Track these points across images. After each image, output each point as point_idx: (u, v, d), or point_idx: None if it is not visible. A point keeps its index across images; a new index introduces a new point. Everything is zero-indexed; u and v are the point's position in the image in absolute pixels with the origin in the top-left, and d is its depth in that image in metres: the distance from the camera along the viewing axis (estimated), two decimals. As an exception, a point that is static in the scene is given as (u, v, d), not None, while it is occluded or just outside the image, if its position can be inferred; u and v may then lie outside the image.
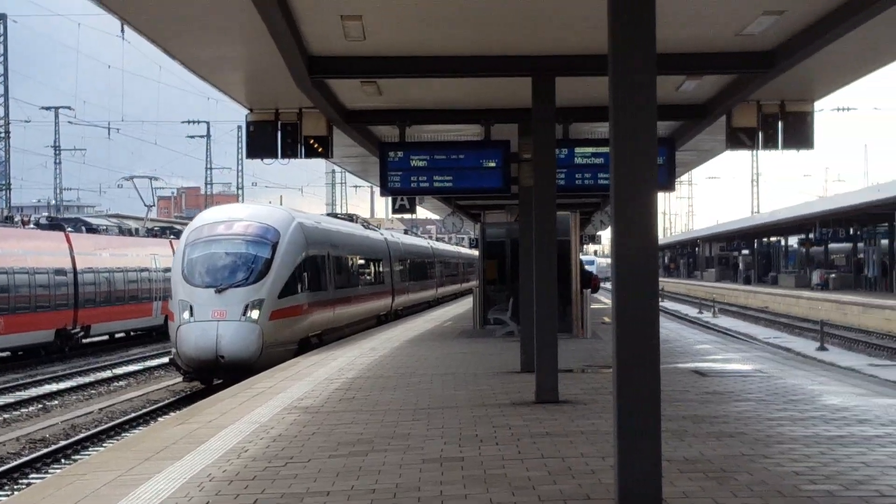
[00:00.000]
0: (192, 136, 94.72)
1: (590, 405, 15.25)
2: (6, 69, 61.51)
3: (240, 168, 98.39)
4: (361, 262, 40.47)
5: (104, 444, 20.89)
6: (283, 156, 19.91)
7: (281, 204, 53.43)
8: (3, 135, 62.17)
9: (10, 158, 63.70)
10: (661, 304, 74.95)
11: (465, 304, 49.78)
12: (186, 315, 27.03)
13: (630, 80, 8.22)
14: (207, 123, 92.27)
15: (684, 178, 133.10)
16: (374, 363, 22.72)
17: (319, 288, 32.01)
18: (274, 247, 28.98)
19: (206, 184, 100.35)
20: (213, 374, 27.29)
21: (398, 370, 21.12)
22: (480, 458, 11.27)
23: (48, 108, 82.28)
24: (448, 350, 25.94)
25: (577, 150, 19.28)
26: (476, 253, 47.40)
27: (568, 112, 19.59)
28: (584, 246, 56.54)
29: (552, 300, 16.31)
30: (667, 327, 35.82)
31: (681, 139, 23.49)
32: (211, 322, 26.82)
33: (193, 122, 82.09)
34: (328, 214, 45.85)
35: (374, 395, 17.02)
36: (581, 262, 36.79)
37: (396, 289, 47.46)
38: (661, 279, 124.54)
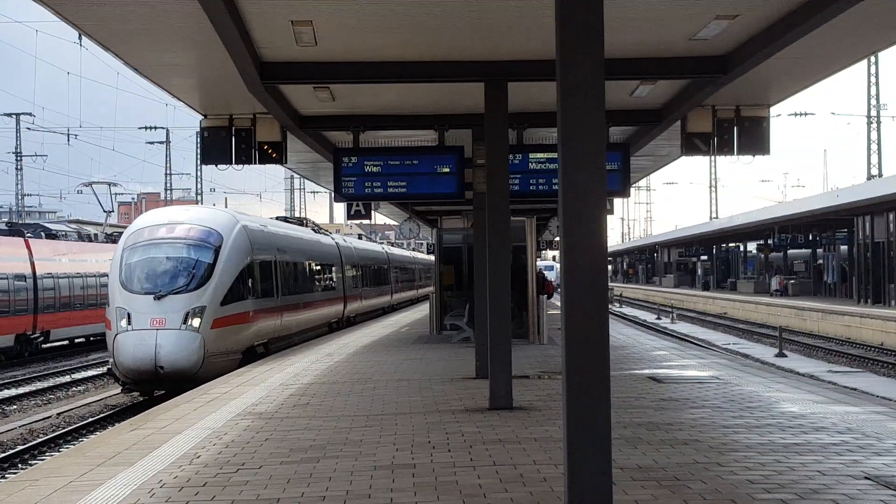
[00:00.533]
0: (151, 143, 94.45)
1: (544, 412, 15.23)
2: (-38, 75, 60.97)
3: (199, 174, 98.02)
4: (311, 267, 38.58)
5: (62, 449, 20.73)
6: (237, 161, 19.84)
7: (226, 207, 51.58)
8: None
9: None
10: (619, 309, 75.13)
11: (423, 310, 49.78)
12: (124, 323, 25.34)
13: (577, 85, 8.18)
14: (167, 129, 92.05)
15: (642, 183, 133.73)
16: (329, 369, 22.66)
17: (266, 294, 30.35)
18: (217, 251, 27.21)
19: (165, 189, 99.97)
20: (153, 386, 25.82)
21: (353, 376, 21.06)
22: (432, 465, 11.24)
23: (10, 115, 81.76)
24: (404, 356, 25.90)
25: (532, 155, 19.31)
26: (433, 258, 46.92)
27: (522, 117, 19.64)
28: (542, 252, 56.20)
29: (505, 306, 16.28)
30: (624, 333, 35.90)
31: (636, 144, 23.55)
32: (150, 331, 25.15)
33: (152, 128, 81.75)
34: (278, 218, 43.02)
35: (329, 401, 16.96)
36: (539, 268, 36.87)
37: (348, 295, 45.54)
38: (619, 285, 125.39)
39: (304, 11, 12.84)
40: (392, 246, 79.59)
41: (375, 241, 72.24)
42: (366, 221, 47.47)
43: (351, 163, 18.59)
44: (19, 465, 19.36)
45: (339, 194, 18.91)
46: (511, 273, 27.05)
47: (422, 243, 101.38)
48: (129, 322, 25.22)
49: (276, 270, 31.86)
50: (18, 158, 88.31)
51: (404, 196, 19.12)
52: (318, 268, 39.91)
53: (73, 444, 20.82)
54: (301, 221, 44.88)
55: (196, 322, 25.52)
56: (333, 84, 16.99)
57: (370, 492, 9.96)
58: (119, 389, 27.49)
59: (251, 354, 28.31)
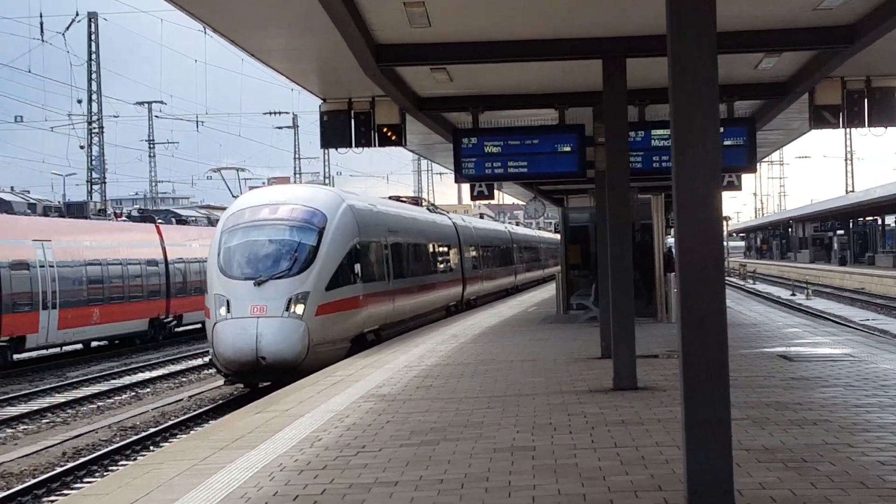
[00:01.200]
0: (279, 128, 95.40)
1: (669, 392, 15.02)
2: (98, 66, 62.04)
3: (327, 157, 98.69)
4: (425, 248, 36.59)
5: (190, 432, 21.05)
6: (357, 145, 19.91)
7: (333, 185, 49.96)
8: (97, 130, 62.78)
9: (105, 153, 64.28)
10: (752, 285, 74.02)
11: (550, 290, 49.50)
12: (223, 311, 23.81)
13: (688, 59, 8.03)
14: (294, 115, 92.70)
15: (774, 157, 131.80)
16: (454, 350, 22.66)
17: (375, 278, 28.70)
18: (320, 232, 25.51)
19: (294, 173, 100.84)
20: (255, 378, 24.40)
21: (478, 357, 21.03)
22: (552, 448, 11.16)
23: (142, 104, 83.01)
24: (530, 336, 25.82)
25: (654, 132, 19.14)
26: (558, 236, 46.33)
27: (644, 93, 19.39)
28: (671, 229, 55.27)
29: (628, 285, 16.09)
30: (755, 310, 35.40)
31: (763, 118, 23.17)
32: (250, 319, 23.57)
33: (277, 112, 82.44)
34: (391, 197, 40.54)
35: (452, 383, 16.95)
36: (668, 245, 36.47)
37: (468, 277, 43.22)
38: (752, 261, 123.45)
39: (417, -8, 12.81)
40: (517, 225, 77.43)
41: (498, 221, 69.58)
42: (492, 202, 47.23)
43: (471, 143, 18.53)
44: (150, 448, 19.69)
45: (459, 175, 18.88)
46: (637, 251, 27.00)
47: (550, 222, 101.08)
48: (228, 310, 23.83)
49: (386, 252, 30.45)
50: (151, 146, 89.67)
51: (525, 176, 19.05)
52: (434, 248, 38.11)
53: (201, 427, 21.11)
54: (416, 201, 42.88)
55: (299, 309, 24.00)
56: (450, 65, 16.93)
57: (488, 475, 9.91)
58: (221, 381, 26.38)
59: (361, 342, 26.93)
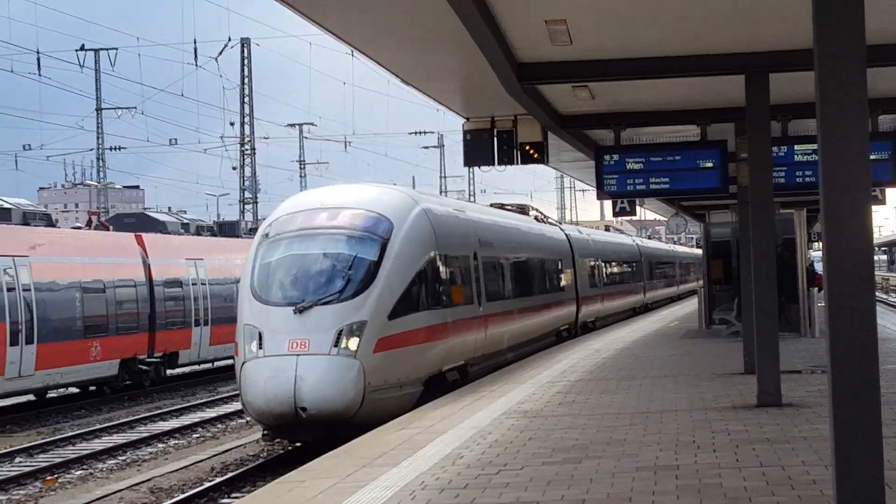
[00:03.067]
0: (426, 147, 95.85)
1: (815, 408, 14.50)
2: (250, 90, 62.83)
3: (471, 175, 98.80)
4: (529, 263, 29.44)
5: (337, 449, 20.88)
6: (500, 162, 19.70)
7: (413, 187, 40.68)
8: (249, 151, 63.60)
9: (257, 173, 65.12)
10: (894, 299, 72.42)
11: (691, 305, 48.73)
12: (253, 347, 17.79)
13: (837, 73, 7.61)
14: (440, 134, 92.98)
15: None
16: (596, 365, 22.29)
17: (460, 300, 21.84)
18: (384, 244, 18.99)
19: (441, 192, 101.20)
20: (294, 435, 18.32)
21: (620, 372, 20.65)
22: (696, 467, 10.76)
23: (293, 125, 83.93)
24: (672, 351, 25.35)
25: (797, 147, 18.63)
26: (698, 251, 45.20)
27: (786, 108, 18.84)
28: (813, 244, 54.12)
29: (771, 299, 15.59)
30: (898, 324, 34.42)
31: (908, 132, 22.40)
32: (287, 357, 17.42)
33: (422, 132, 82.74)
34: (492, 205, 33.77)
35: (594, 399, 16.61)
36: (810, 260, 35.72)
37: (583, 296, 36.08)
38: (895, 275, 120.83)
39: (558, 10, 12.49)
40: (649, 239, 73.60)
41: (624, 234, 63.76)
42: (633, 218, 46.59)
43: (612, 160, 18.18)
44: (297, 465, 19.51)
45: (601, 191, 18.53)
46: (779, 266, 26.34)
47: (692, 237, 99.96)
48: (260, 345, 17.74)
49: (476, 268, 23.46)
50: (302, 166, 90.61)
51: (667, 192, 18.68)
52: (541, 264, 31.02)
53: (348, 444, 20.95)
54: (522, 209, 34.95)
55: (352, 343, 17.65)
56: (592, 82, 16.60)
57: (631, 494, 9.56)
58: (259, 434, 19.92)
59: (438, 383, 20.38)
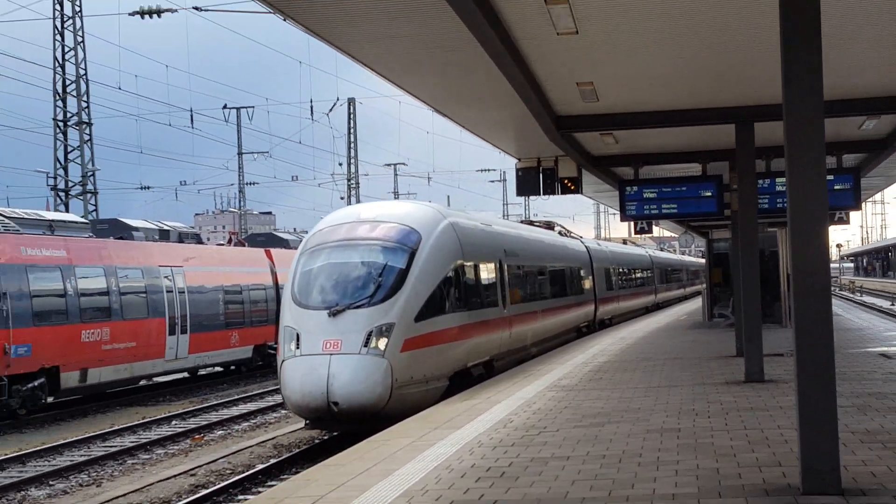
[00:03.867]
0: (491, 181, 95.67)
1: (791, 384, 14.29)
2: (355, 137, 63.25)
3: (527, 202, 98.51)
4: (551, 270, 26.43)
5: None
6: (544, 193, 19.65)
7: (448, 205, 37.18)
8: (354, 185, 64.03)
9: (360, 203, 65.58)
10: (859, 297, 71.00)
11: (697, 303, 48.22)
12: (292, 346, 15.96)
13: (800, 123, 7.58)
14: (502, 171, 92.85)
15: (877, 197, 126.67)
16: (621, 350, 22.15)
17: (485, 303, 19.40)
18: (412, 254, 16.92)
19: (503, 216, 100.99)
20: (328, 426, 16.34)
21: (639, 355, 20.51)
22: (694, 429, 10.69)
23: (388, 165, 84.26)
24: (681, 339, 25.12)
25: (778, 180, 18.67)
26: (703, 261, 44.36)
27: (770, 150, 18.72)
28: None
29: (756, 298, 15.47)
30: (861, 318, 33.89)
31: (867, 167, 22.08)
32: (321, 356, 15.64)
33: (487, 170, 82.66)
34: (522, 221, 33.58)
35: (618, 376, 16.51)
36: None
37: (600, 298, 33.55)
38: (860, 279, 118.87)
39: (586, 75, 12.50)
40: (661, 251, 70.84)
41: (638, 246, 58.25)
42: (651, 235, 46.07)
43: (632, 191, 18.12)
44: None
45: (623, 215, 18.47)
46: (766, 272, 26.04)
47: (700, 250, 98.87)
48: (297, 345, 15.92)
49: (501, 274, 20.82)
50: (396, 197, 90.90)
51: (675, 216, 18.53)
52: (561, 271, 27.94)
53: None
54: (548, 225, 32.63)
55: (381, 343, 15.66)
56: (615, 130, 16.56)
57: (641, 451, 9.51)
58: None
59: (465, 377, 18.06)
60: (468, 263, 18.43)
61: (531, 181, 19.56)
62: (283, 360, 15.91)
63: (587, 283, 31.41)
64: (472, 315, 18.19)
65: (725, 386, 14.55)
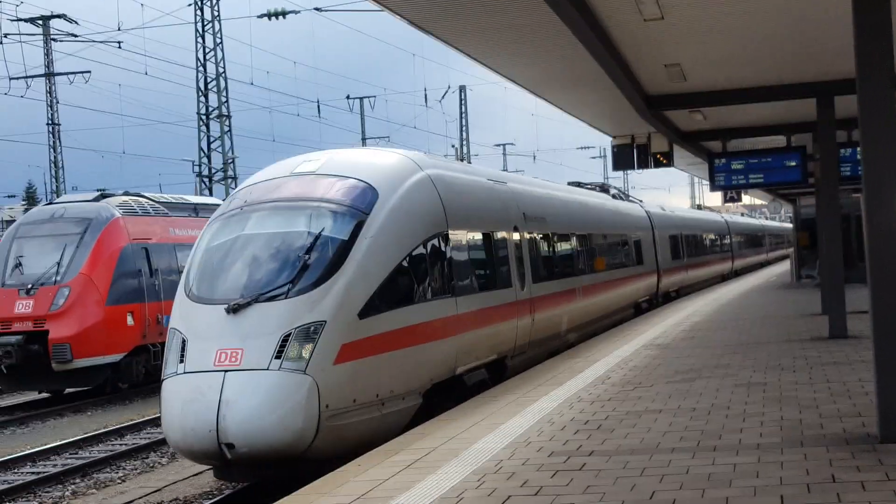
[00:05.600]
0: (592, 158, 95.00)
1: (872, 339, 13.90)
2: (466, 122, 63.39)
3: (626, 176, 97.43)
4: (598, 239, 19.72)
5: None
6: (638, 167, 19.41)
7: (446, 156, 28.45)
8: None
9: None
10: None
11: (784, 266, 46.98)
12: (173, 358, 9.57)
13: (873, 95, 7.35)
14: (602, 147, 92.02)
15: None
16: (714, 310, 21.78)
17: (489, 286, 12.81)
18: (361, 220, 10.27)
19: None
20: (224, 476, 9.80)
21: (730, 314, 20.15)
22: (779, 383, 10.47)
23: (498, 145, 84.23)
24: (770, 298, 24.60)
25: (859, 149, 17.93)
26: (787, 225, 42.85)
27: (852, 121, 18.09)
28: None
29: (838, 260, 15.09)
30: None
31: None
32: (212, 374, 9.09)
33: (587, 147, 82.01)
34: (570, 183, 23.56)
35: (709, 335, 16.25)
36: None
37: (664, 269, 26.82)
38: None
39: (673, 56, 12.26)
40: (741, 216, 62.57)
41: (713, 211, 50.28)
42: (742, 203, 44.95)
43: (721, 163, 17.78)
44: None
45: (713, 185, 18.18)
46: (852, 235, 25.41)
47: (789, 216, 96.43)
48: (181, 357, 9.51)
49: (518, 246, 14.25)
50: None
51: (761, 185, 18.16)
52: (613, 239, 21.35)
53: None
54: (603, 188, 25.37)
55: (304, 352, 9.25)
56: (703, 108, 16.23)
57: (729, 404, 9.37)
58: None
59: (456, 385, 11.60)
60: (457, 232, 11.72)
61: (626, 156, 19.32)
62: (162, 380, 9.60)
63: (648, 253, 24.87)
64: (466, 302, 11.55)
65: (811, 342, 14.22)
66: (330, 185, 10.53)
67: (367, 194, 10.51)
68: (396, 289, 10.20)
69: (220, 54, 40.74)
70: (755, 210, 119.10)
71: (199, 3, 40.25)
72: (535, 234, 15.25)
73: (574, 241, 17.85)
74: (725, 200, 27.16)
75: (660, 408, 9.39)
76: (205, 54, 40.52)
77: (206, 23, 40.44)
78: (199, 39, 40.37)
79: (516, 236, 14.21)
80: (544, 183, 18.49)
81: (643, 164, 19.27)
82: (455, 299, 11.35)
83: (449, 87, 53.81)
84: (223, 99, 40.91)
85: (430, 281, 10.87)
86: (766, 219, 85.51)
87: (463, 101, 62.39)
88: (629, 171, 19.65)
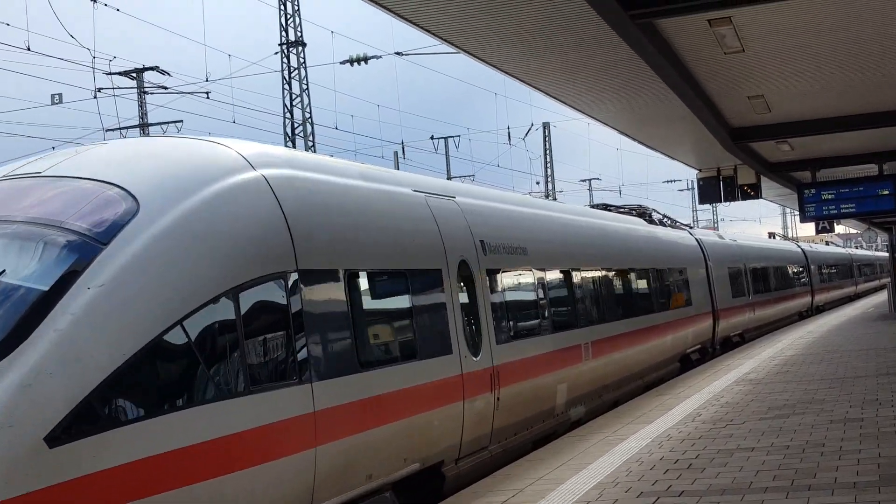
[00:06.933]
0: (680, 190, 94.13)
1: (975, 372, 13.44)
2: (551, 158, 63.45)
3: (714, 209, 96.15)
4: (613, 275, 14.54)
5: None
6: (725, 200, 19.22)
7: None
8: (553, 200, 64.26)
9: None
10: None
11: (880, 297, 45.56)
12: None
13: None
14: (689, 180, 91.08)
15: None
16: (807, 343, 21.25)
17: (422, 349, 8.23)
18: (87, 256, 5.39)
19: (692, 220, 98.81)
20: None
21: (825, 347, 19.64)
22: (877, 419, 10.15)
23: (584, 181, 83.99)
24: (866, 330, 23.91)
25: (955, 175, 17.53)
26: (880, 254, 41.17)
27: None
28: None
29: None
30: None
31: None
32: None
33: (673, 180, 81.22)
34: (596, 206, 19.55)
35: (804, 369, 15.86)
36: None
37: (722, 308, 21.34)
38: None
39: (756, 89, 12.15)
40: (826, 244, 53.77)
41: (789, 241, 42.42)
42: (835, 233, 43.71)
43: (811, 193, 17.54)
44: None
45: (803, 216, 17.93)
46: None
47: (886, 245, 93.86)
48: None
49: (488, 289, 9.91)
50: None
51: (853, 215, 17.86)
52: (644, 276, 16.16)
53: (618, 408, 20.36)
54: (641, 212, 19.04)
55: None
56: (790, 138, 16.01)
57: (824, 441, 9.11)
58: None
59: None
60: (321, 271, 7.14)
61: (712, 189, 19.13)
62: None
63: (698, 290, 19.49)
64: (337, 389, 7.00)
65: (910, 376, 13.79)
66: (55, 193, 6.11)
67: (112, 208, 5.91)
68: (158, 380, 5.52)
69: (305, 100, 41.54)
70: (850, 239, 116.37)
71: (286, 51, 41.17)
72: (504, 272, 10.41)
73: (579, 280, 12.80)
74: (818, 231, 26.54)
75: (752, 445, 9.18)
76: (291, 101, 41.36)
77: (292, 70, 41.31)
78: (286, 87, 41.23)
79: (462, 276, 9.37)
80: (528, 200, 13.16)
81: (730, 197, 19.04)
82: (311, 387, 6.57)
83: (532, 125, 53.88)
84: (310, 143, 41.64)
85: (252, 358, 6.17)
86: (862, 248, 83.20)
87: (547, 138, 62.40)
88: (716, 204, 19.34)
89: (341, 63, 37.16)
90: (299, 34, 41.46)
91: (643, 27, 8.57)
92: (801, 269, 34.88)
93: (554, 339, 11.50)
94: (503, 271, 10.43)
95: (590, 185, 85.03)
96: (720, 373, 16.36)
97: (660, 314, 16.51)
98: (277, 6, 41.31)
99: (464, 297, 9.35)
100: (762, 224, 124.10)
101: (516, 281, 10.84)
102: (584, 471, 8.60)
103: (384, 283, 8.06)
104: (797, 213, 68.33)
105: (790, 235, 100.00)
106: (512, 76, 10.54)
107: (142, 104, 46.36)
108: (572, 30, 8.82)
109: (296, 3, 41.14)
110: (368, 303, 7.75)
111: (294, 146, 41.52)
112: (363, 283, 7.70)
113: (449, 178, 59.93)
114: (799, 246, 37.33)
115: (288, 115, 41.49)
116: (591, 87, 11.37)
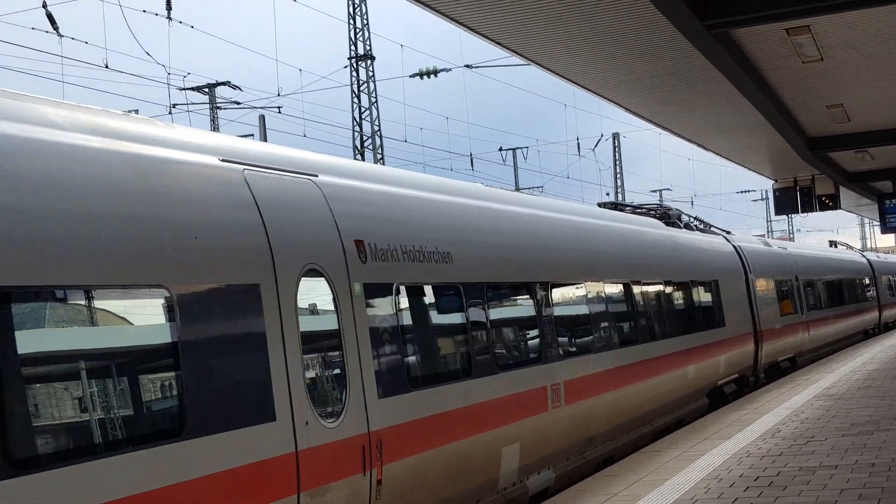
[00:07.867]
0: (754, 201, 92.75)
1: None
2: (621, 169, 63.07)
3: (790, 220, 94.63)
4: (616, 294, 11.45)
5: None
6: (802, 211, 18.89)
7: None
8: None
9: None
10: None
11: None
12: None
13: None
14: (763, 191, 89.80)
15: None
16: (890, 357, 20.77)
17: (212, 420, 5.05)
18: None
19: (767, 232, 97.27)
20: None
21: (909, 363, 19.18)
22: (965, 436, 9.91)
23: (654, 191, 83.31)
24: (952, 345, 23.32)
25: None
26: None
27: None
28: None
29: None
30: None
31: None
32: None
33: (747, 191, 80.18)
34: (602, 204, 15.32)
35: (887, 383, 15.49)
36: None
37: (765, 329, 17.95)
38: None
39: (835, 98, 11.94)
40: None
41: (854, 250, 35.16)
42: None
43: (892, 203, 17.22)
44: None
45: (884, 226, 17.60)
46: None
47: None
48: None
49: (364, 315, 6.59)
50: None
51: (938, 225, 17.38)
52: (654, 291, 12.85)
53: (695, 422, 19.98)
54: (663, 213, 15.81)
55: None
56: (870, 148, 15.70)
57: (911, 459, 8.91)
58: None
59: None
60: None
61: (789, 200, 18.83)
62: None
63: (735, 307, 16.34)
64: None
65: None
66: None
67: None
68: None
69: (374, 113, 41.85)
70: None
71: (355, 65, 41.54)
72: (406, 287, 7.35)
73: (542, 297, 9.56)
74: (898, 242, 25.85)
75: (835, 463, 9.00)
76: (360, 114, 41.69)
77: (361, 84, 41.67)
78: (355, 100, 41.58)
79: (318, 292, 6.40)
80: (465, 187, 9.31)
81: (808, 208, 18.72)
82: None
83: (602, 135, 53.58)
84: (378, 156, 41.91)
85: None
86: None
87: (616, 149, 62.04)
88: (794, 216, 19.04)
89: (410, 76, 37.41)
90: (368, 48, 41.84)
91: (719, 37, 8.48)
92: (866, 281, 31.09)
93: (496, 382, 8.24)
94: (402, 285, 7.22)
95: (660, 195, 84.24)
96: (800, 387, 16.06)
97: (676, 339, 13.32)
98: (347, 20, 41.77)
99: (311, 326, 6.15)
100: (839, 235, 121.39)
101: (427, 300, 7.61)
102: (660, 487, 8.51)
103: (104, 309, 4.67)
104: (877, 223, 66.53)
105: (868, 246, 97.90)
106: (582, 87, 10.49)
107: (214, 118, 47.12)
108: (645, 41, 8.76)
109: (365, 17, 41.55)
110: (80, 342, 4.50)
111: (363, 159, 41.82)
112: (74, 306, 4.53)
113: (517, 188, 55.42)
114: (864, 256, 33.73)
115: (357, 128, 41.84)
116: (662, 99, 11.27)
